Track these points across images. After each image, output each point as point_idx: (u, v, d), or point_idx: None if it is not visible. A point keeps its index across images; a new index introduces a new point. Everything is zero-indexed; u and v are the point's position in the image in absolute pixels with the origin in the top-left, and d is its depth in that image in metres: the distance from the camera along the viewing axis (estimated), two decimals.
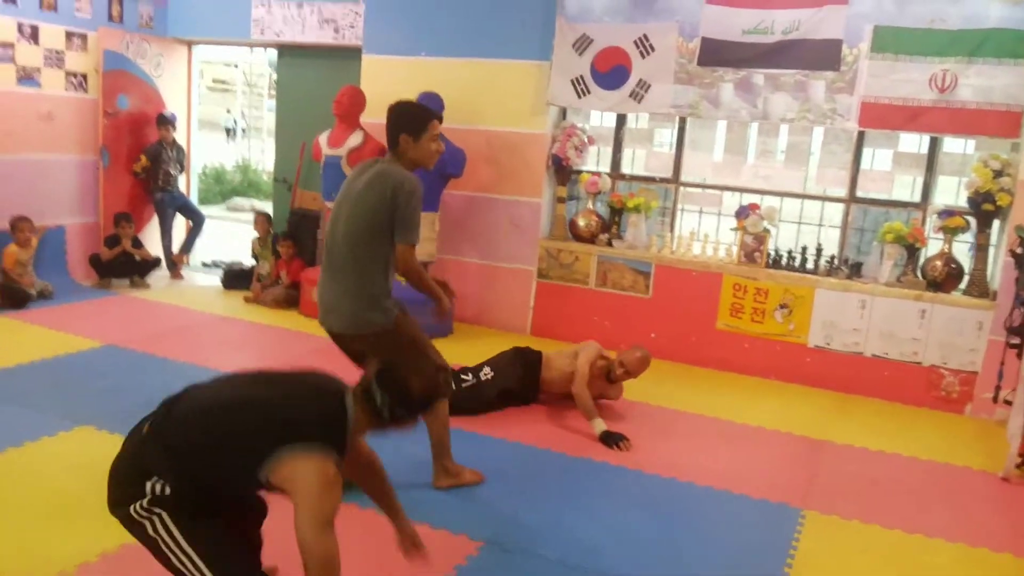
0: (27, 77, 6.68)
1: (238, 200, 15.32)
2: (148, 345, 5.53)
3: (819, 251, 5.95)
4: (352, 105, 6.44)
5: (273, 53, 7.92)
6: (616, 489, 3.89)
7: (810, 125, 5.78)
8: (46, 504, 3.31)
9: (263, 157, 18.63)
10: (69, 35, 6.95)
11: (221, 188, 15.84)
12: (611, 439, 4.37)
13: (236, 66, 21.06)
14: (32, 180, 6.84)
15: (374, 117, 6.64)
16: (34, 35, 6.68)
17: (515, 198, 6.60)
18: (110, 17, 7.26)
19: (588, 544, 3.31)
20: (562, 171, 6.47)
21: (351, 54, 7.02)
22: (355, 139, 6.40)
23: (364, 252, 3.38)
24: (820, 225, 6.22)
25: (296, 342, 6.01)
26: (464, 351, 5.90)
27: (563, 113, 6.61)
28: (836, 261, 5.92)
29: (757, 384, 5.80)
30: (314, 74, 7.38)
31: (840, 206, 6.02)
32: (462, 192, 6.66)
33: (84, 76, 7.13)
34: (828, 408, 5.38)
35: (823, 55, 5.56)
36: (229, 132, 17.41)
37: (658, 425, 4.81)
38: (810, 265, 5.95)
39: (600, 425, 4.45)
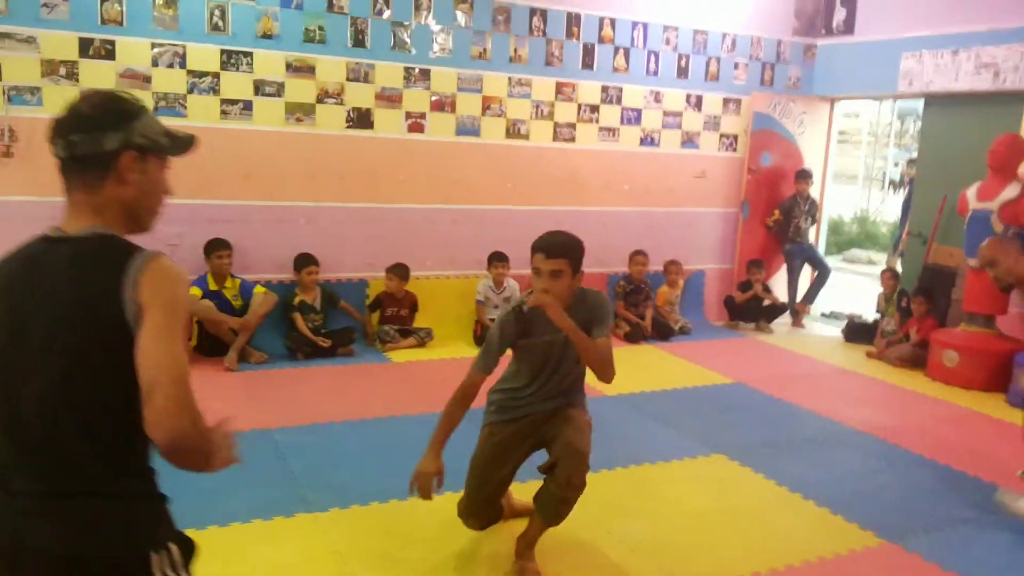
0: (689, 140, 7.68)
1: (855, 252, 15.11)
2: (773, 387, 5.83)
3: None
4: (1010, 155, 5.87)
5: (900, 102, 7.65)
6: None
7: None
8: (694, 515, 3.74)
9: (882, 208, 18.07)
10: (726, 101, 7.79)
11: (837, 239, 15.82)
12: None
13: (857, 116, 21.00)
14: (683, 229, 7.81)
15: None
16: (698, 103, 7.65)
17: None
18: (762, 82, 7.92)
19: None
20: None
21: (1011, 99, 6.41)
22: (1011, 191, 5.82)
23: None
24: None
25: (919, 405, 5.69)
26: None
27: None
28: None
29: None
30: (964, 123, 6.93)
31: None
32: None
33: (735, 137, 7.91)
34: None
35: None
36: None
37: None
38: None
39: None
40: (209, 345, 5.75)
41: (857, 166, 20.82)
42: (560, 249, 2.98)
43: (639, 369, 6.17)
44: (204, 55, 5.79)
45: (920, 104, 7.59)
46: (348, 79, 6.25)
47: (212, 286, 5.78)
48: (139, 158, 1.58)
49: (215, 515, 3.39)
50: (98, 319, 1.46)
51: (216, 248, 5.77)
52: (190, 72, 5.77)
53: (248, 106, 5.97)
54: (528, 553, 3.11)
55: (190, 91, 5.78)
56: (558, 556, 3.28)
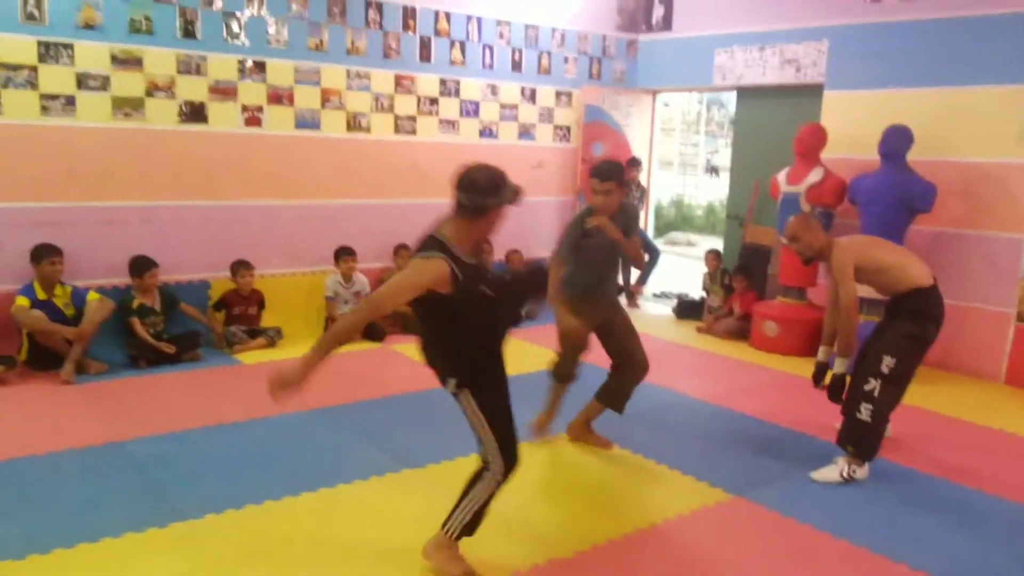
0: (525, 132, 7.94)
1: (675, 234, 16.10)
2: None
3: None
4: (813, 142, 6.54)
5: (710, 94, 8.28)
6: None
7: None
8: (563, 489, 3.95)
9: (696, 192, 19.33)
10: (558, 94, 8.12)
11: (658, 222, 16.77)
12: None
13: (668, 105, 22.47)
14: (524, 219, 8.05)
15: (835, 153, 6.69)
16: (532, 96, 7.93)
17: (992, 234, 6.10)
18: (590, 75, 8.31)
19: None
20: None
21: (811, 91, 7.12)
22: (815, 175, 6.48)
23: None
24: None
25: (746, 372, 6.24)
26: (924, 395, 5.62)
27: None
28: None
29: None
30: (772, 113, 7.62)
31: None
32: (930, 228, 6.34)
33: (568, 128, 8.25)
34: None
35: None
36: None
37: None
38: None
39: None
40: (42, 358, 5.37)
41: (672, 153, 22.16)
42: (609, 174, 4.13)
43: None
44: (18, 47, 5.37)
45: (725, 95, 8.24)
46: (179, 71, 5.99)
47: (41, 295, 5.39)
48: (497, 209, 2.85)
49: (83, 532, 3.24)
50: None
51: (47, 254, 5.38)
52: (2, 65, 5.33)
53: (71, 101, 5.60)
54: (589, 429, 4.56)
55: (4, 86, 5.35)
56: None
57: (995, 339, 6.13)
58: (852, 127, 6.73)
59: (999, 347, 6.11)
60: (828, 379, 4.29)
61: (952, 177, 6.20)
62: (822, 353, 4.38)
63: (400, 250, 6.99)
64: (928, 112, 6.31)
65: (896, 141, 6.07)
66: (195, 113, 6.11)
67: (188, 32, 5.99)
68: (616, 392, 4.47)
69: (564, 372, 4.56)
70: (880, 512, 3.82)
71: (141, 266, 5.80)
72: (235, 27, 6.18)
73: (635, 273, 8.68)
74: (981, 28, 6.06)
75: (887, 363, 4.09)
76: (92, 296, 5.54)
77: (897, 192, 6.03)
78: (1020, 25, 5.85)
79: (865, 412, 4.10)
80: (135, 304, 5.76)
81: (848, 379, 4.21)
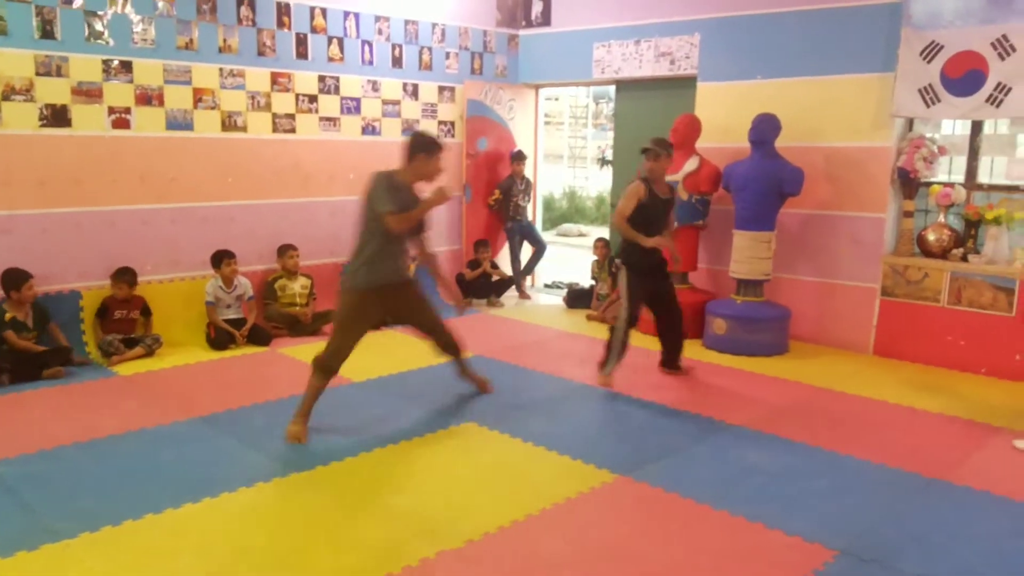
0: (409, 128, 7.88)
1: (567, 226, 16.34)
2: (509, 356, 6.26)
3: None
4: (688, 132, 6.75)
5: (597, 87, 8.46)
6: (989, 516, 3.72)
7: None
8: (453, 481, 3.97)
9: (587, 184, 19.67)
10: (441, 89, 8.11)
11: (550, 215, 17.00)
12: None
13: (557, 99, 22.71)
14: None
15: (710, 142, 6.92)
16: (415, 92, 7.89)
17: (856, 214, 6.46)
18: (472, 71, 8.34)
19: (958, 564, 3.24)
20: (909, 184, 6.22)
21: (686, 83, 7.35)
22: (691, 164, 6.70)
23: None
24: None
25: (632, 356, 6.34)
26: (800, 369, 5.91)
27: (909, 124, 6.36)
28: None
29: None
30: (649, 105, 7.83)
31: None
32: (799, 210, 6.66)
33: (452, 123, 8.26)
34: None
35: None
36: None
37: None
38: None
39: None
40: None
41: (561, 146, 22.48)
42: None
43: (383, 352, 6.31)
44: None
45: (612, 89, 8.43)
46: (38, 74, 5.68)
47: None
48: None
49: None
50: None
51: None
52: None
53: None
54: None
55: None
56: (328, 537, 3.34)
57: (862, 313, 6.49)
58: (724, 117, 6.99)
59: (867, 320, 6.48)
60: None
61: (818, 162, 6.53)
62: None
63: (287, 250, 6.84)
64: (794, 101, 6.62)
65: (765, 129, 6.34)
66: (57, 116, 5.81)
67: (47, 32, 5.69)
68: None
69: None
70: (758, 483, 3.99)
71: (17, 279, 5.51)
72: (98, 26, 5.90)
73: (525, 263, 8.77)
74: (840, 20, 6.39)
75: None
76: None
77: (767, 177, 6.30)
78: (875, 17, 6.20)
79: None
80: (8, 317, 5.46)
81: None
